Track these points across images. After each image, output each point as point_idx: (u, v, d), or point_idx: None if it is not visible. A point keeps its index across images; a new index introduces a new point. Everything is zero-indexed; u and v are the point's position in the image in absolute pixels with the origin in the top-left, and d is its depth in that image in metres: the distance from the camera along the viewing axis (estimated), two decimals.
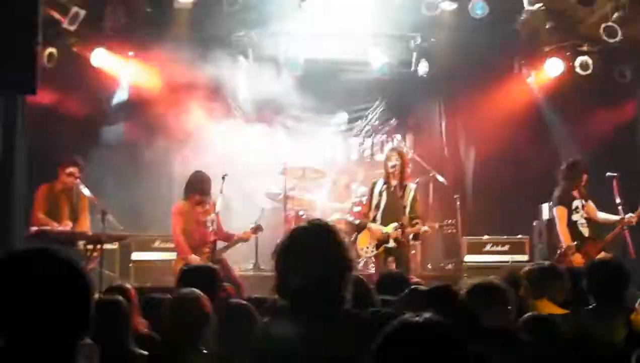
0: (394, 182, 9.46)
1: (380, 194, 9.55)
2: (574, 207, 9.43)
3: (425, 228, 9.65)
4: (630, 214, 9.19)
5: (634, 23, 10.42)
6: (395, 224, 9.41)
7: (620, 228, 9.28)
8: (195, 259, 9.15)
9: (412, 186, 9.64)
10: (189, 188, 9.60)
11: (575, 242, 9.29)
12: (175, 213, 9.52)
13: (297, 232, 3.25)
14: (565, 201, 9.47)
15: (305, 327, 2.94)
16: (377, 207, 9.56)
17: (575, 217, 9.42)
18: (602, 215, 9.46)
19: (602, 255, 9.05)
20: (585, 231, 9.37)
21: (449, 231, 9.84)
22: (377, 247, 9.50)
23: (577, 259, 9.19)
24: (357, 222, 10.23)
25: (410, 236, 9.64)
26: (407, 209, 9.45)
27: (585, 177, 9.50)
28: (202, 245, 9.43)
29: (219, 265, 9.09)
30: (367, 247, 9.60)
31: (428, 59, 12.45)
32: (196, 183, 9.57)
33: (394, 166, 9.39)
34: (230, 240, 9.68)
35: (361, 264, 10.77)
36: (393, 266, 9.34)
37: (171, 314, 4.28)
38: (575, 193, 9.46)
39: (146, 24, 10.87)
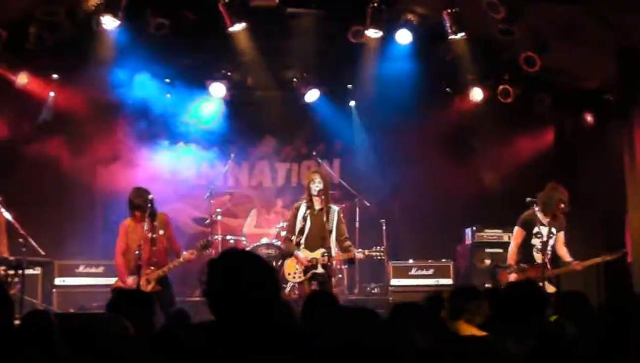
0: (317, 206, 9.37)
1: (305, 219, 9.39)
2: (534, 231, 9.44)
3: (358, 252, 9.48)
4: (577, 261, 9.32)
5: (553, 53, 10.75)
6: (322, 250, 9.35)
7: (565, 269, 9.44)
8: (129, 282, 8.98)
9: (335, 208, 9.51)
10: (130, 205, 9.37)
11: (521, 264, 9.35)
12: (119, 233, 9.29)
13: (222, 258, 3.26)
14: (525, 223, 9.46)
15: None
16: (302, 231, 9.39)
17: (534, 241, 9.42)
18: (561, 251, 9.43)
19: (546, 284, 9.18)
20: (539, 257, 9.31)
21: (378, 258, 9.85)
22: (305, 272, 9.45)
23: (512, 277, 9.30)
24: (283, 247, 10.20)
25: (339, 263, 9.65)
26: (334, 233, 9.37)
27: (560, 206, 9.30)
28: (149, 264, 9.17)
29: (162, 286, 9.00)
30: (295, 273, 9.52)
31: (355, 86, 12.62)
32: (135, 200, 9.36)
33: (317, 189, 9.28)
34: (180, 254, 9.43)
35: (287, 289, 10.78)
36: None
37: (89, 339, 4.23)
38: (544, 219, 9.45)
39: (71, 46, 10.73)
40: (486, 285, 10.34)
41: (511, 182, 11.74)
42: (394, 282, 11.54)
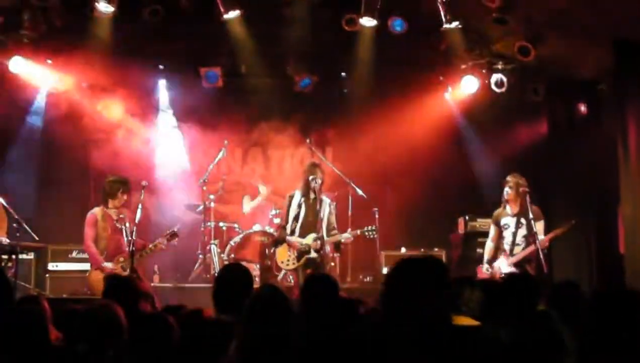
0: (312, 195, 9.61)
1: (299, 206, 9.66)
2: (502, 224, 9.64)
3: (347, 235, 9.81)
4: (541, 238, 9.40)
5: (547, 42, 10.76)
6: (313, 235, 9.53)
7: (524, 252, 9.54)
8: (109, 267, 9.12)
9: (327, 200, 9.78)
10: (104, 194, 9.57)
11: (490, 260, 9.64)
12: (87, 223, 9.50)
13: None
14: (495, 220, 9.77)
15: None
16: (297, 218, 9.67)
17: (504, 233, 9.64)
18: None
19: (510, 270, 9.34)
20: (507, 247, 9.56)
21: (371, 236, 9.94)
22: (299, 258, 9.57)
23: (483, 274, 9.57)
24: (276, 234, 10.27)
25: (329, 247, 9.78)
26: (325, 222, 9.60)
27: (509, 192, 9.56)
28: (118, 254, 9.41)
29: (135, 274, 9.14)
30: (288, 260, 9.65)
31: (349, 74, 12.62)
32: (110, 189, 9.54)
33: (316, 181, 9.52)
34: (144, 248, 9.60)
35: (280, 277, 10.82)
36: None
37: (81, 325, 4.25)
38: (511, 210, 9.60)
39: (65, 31, 10.71)
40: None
41: (504, 172, 11.74)
42: (386, 271, 11.55)
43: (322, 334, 4.01)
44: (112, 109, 11.93)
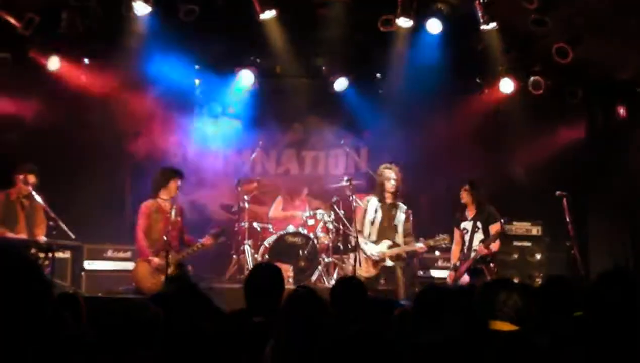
0: (388, 200, 9.72)
1: (376, 211, 9.78)
2: (462, 228, 9.76)
3: (421, 244, 9.77)
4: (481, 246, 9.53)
5: (586, 44, 10.63)
6: (388, 242, 9.62)
7: (473, 257, 9.58)
8: (156, 261, 9.13)
9: (402, 206, 9.86)
10: (156, 185, 9.51)
11: (455, 263, 9.85)
12: (140, 213, 9.46)
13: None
14: (456, 223, 9.98)
15: None
16: (373, 222, 9.76)
17: (465, 237, 9.77)
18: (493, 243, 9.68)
19: (463, 278, 9.56)
20: (465, 252, 9.77)
21: (443, 245, 9.92)
22: (375, 266, 9.63)
23: (450, 278, 9.74)
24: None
25: (404, 254, 9.84)
26: (400, 229, 9.73)
27: (466, 189, 9.87)
28: (167, 247, 9.31)
29: (181, 269, 9.15)
30: (366, 267, 9.74)
31: (384, 75, 12.57)
32: (162, 178, 9.50)
33: (392, 186, 9.65)
34: (192, 245, 9.62)
35: (314, 278, 10.81)
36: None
37: (116, 323, 4.26)
38: (468, 214, 9.84)
39: (102, 32, 10.79)
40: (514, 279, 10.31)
41: (541, 175, 11.64)
42: (420, 273, 11.54)
43: (353, 335, 3.97)
44: (148, 110, 12.01)
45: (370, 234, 9.78)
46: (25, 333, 2.29)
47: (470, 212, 9.79)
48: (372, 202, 9.84)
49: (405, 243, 9.76)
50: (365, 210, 9.83)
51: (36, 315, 2.32)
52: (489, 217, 9.72)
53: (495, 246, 9.61)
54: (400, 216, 9.79)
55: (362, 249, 9.69)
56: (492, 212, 9.77)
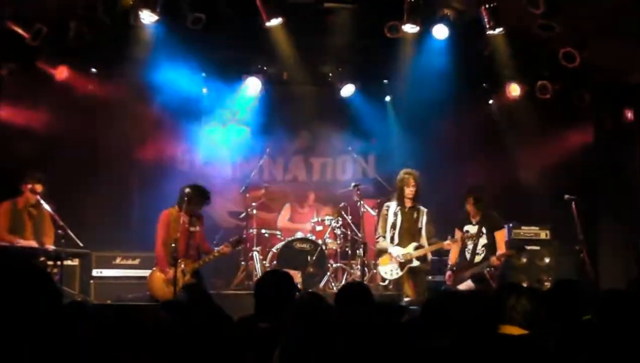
0: (408, 204, 9.78)
1: (396, 214, 9.82)
2: (464, 229, 9.80)
3: (448, 241, 9.85)
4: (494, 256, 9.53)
5: (593, 48, 10.61)
6: (415, 244, 9.70)
7: (479, 266, 9.61)
8: (171, 273, 9.10)
9: (423, 208, 9.91)
10: (184, 199, 9.39)
11: (453, 265, 9.86)
12: (160, 222, 9.40)
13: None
14: (459, 225, 9.96)
15: None
16: (394, 226, 9.80)
17: (468, 241, 9.80)
18: (500, 250, 9.70)
19: (467, 283, 9.53)
20: (467, 256, 9.78)
21: (470, 240, 9.88)
22: (402, 268, 9.64)
23: (448, 279, 9.78)
24: (377, 246, 10.15)
25: (430, 255, 9.96)
26: (423, 231, 9.81)
27: (470, 202, 9.85)
28: (186, 256, 9.32)
29: (198, 279, 9.16)
30: (391, 270, 9.75)
31: (391, 81, 12.58)
32: (193, 197, 9.40)
33: (412, 192, 9.71)
34: (210, 253, 9.60)
35: (322, 284, 10.80)
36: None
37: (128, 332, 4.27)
38: (473, 218, 9.85)
39: (109, 41, 10.83)
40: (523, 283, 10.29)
41: (549, 179, 11.61)
42: (429, 278, 11.49)
43: (360, 341, 3.97)
44: (155, 118, 12.05)
45: (392, 238, 9.79)
46: (37, 342, 2.30)
47: (474, 218, 9.80)
48: (392, 207, 9.88)
49: (430, 244, 9.82)
50: (386, 215, 9.84)
51: (47, 325, 2.34)
52: (493, 223, 9.79)
53: (504, 251, 9.63)
54: (423, 219, 9.86)
55: (389, 253, 9.70)
56: (496, 218, 9.86)
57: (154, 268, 9.43)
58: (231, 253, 10.38)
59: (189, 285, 8.89)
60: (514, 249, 9.85)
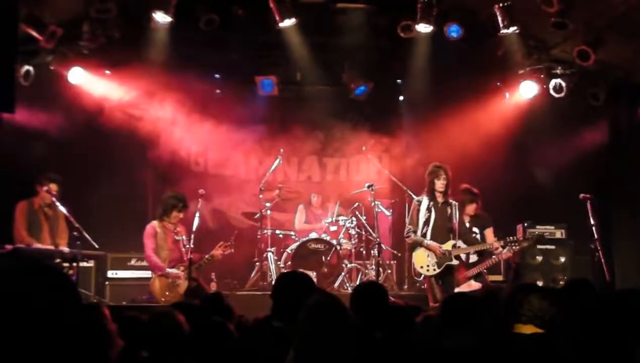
0: (440, 199, 9.52)
1: (429, 210, 9.51)
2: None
3: (503, 251, 9.70)
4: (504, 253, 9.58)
5: (607, 46, 10.56)
6: (452, 242, 9.45)
7: (483, 264, 9.66)
8: (173, 273, 9.22)
9: (455, 203, 9.68)
10: (164, 208, 9.70)
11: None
12: (146, 235, 9.63)
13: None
14: None
15: None
16: (427, 222, 9.48)
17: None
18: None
19: (469, 283, 9.54)
20: (463, 257, 9.80)
21: (515, 247, 9.74)
22: (439, 265, 9.42)
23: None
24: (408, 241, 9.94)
25: (464, 255, 9.84)
26: (458, 227, 9.54)
27: (467, 201, 10.15)
28: (179, 263, 9.56)
29: (195, 283, 9.28)
30: (428, 265, 9.46)
31: (404, 81, 12.57)
32: (166, 205, 9.69)
33: (443, 185, 9.46)
34: (201, 259, 9.70)
35: (337, 284, 10.80)
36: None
37: (144, 333, 4.28)
38: (465, 219, 9.94)
39: (123, 42, 10.87)
40: (538, 282, 10.27)
41: (564, 178, 11.56)
42: None
43: (375, 342, 3.98)
44: (169, 119, 12.08)
45: (425, 234, 9.49)
46: (58, 346, 2.31)
47: (467, 216, 9.84)
48: (424, 202, 9.56)
49: (466, 240, 9.66)
50: (418, 210, 9.61)
51: (68, 328, 2.35)
52: (484, 221, 10.12)
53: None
54: (457, 214, 9.59)
55: (427, 246, 9.43)
56: (486, 217, 10.19)
57: (153, 276, 9.57)
58: (244, 254, 10.45)
59: (193, 289, 9.09)
60: (531, 240, 9.72)
